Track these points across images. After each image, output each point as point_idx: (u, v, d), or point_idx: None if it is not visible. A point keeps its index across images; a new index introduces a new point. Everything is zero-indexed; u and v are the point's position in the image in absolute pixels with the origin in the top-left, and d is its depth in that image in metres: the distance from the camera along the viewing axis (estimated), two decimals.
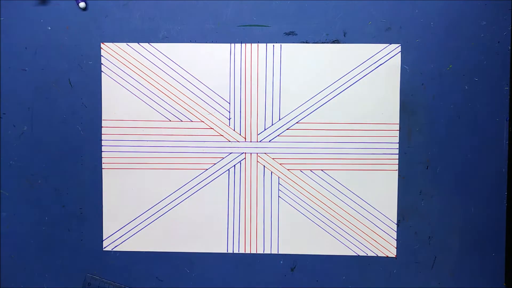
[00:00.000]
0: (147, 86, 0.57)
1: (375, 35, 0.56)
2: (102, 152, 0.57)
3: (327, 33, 0.56)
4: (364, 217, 0.57)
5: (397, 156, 0.57)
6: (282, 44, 0.56)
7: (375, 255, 0.57)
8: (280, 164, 0.57)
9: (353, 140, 0.56)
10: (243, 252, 0.57)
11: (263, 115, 0.57)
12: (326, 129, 0.56)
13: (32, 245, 0.58)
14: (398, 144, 0.56)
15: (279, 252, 0.57)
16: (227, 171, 0.57)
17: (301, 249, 0.56)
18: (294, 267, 0.57)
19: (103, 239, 0.58)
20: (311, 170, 0.57)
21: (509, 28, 0.56)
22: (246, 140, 0.57)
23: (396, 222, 0.57)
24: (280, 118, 0.57)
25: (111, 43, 0.57)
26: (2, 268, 0.58)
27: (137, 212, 0.58)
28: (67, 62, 0.57)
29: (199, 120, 0.57)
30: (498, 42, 0.56)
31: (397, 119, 0.56)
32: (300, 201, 0.57)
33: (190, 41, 0.56)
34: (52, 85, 0.57)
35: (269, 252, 0.57)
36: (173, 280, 0.57)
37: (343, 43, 0.56)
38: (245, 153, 0.57)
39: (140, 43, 0.56)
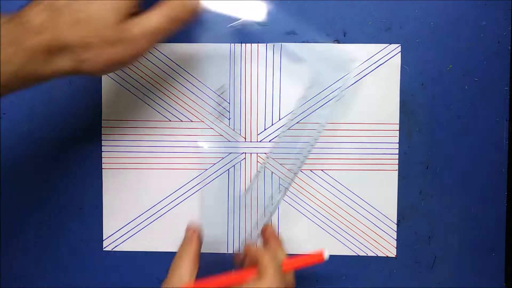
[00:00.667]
0: (147, 86, 0.57)
1: (375, 35, 0.56)
2: (102, 152, 0.57)
3: (327, 33, 0.56)
4: (364, 217, 0.57)
5: (397, 156, 0.57)
6: (282, 43, 0.56)
7: (375, 255, 0.57)
8: (280, 164, 0.57)
9: (353, 140, 0.56)
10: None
11: (263, 115, 0.57)
12: (326, 129, 0.56)
13: (32, 245, 0.58)
14: (398, 144, 0.56)
15: None
16: (227, 171, 0.57)
17: (301, 249, 0.56)
18: None
19: (103, 239, 0.58)
20: (311, 170, 0.57)
21: (509, 28, 0.55)
22: (246, 140, 0.57)
23: (396, 222, 0.57)
24: (280, 118, 0.57)
25: None
26: (2, 268, 0.58)
27: (137, 212, 0.58)
28: None
29: (199, 120, 0.57)
30: (498, 42, 0.56)
31: (397, 119, 0.56)
32: (300, 201, 0.57)
33: (190, 41, 0.56)
34: (52, 85, 0.57)
35: None
36: None
37: (343, 43, 0.56)
38: (245, 153, 0.57)
39: None
